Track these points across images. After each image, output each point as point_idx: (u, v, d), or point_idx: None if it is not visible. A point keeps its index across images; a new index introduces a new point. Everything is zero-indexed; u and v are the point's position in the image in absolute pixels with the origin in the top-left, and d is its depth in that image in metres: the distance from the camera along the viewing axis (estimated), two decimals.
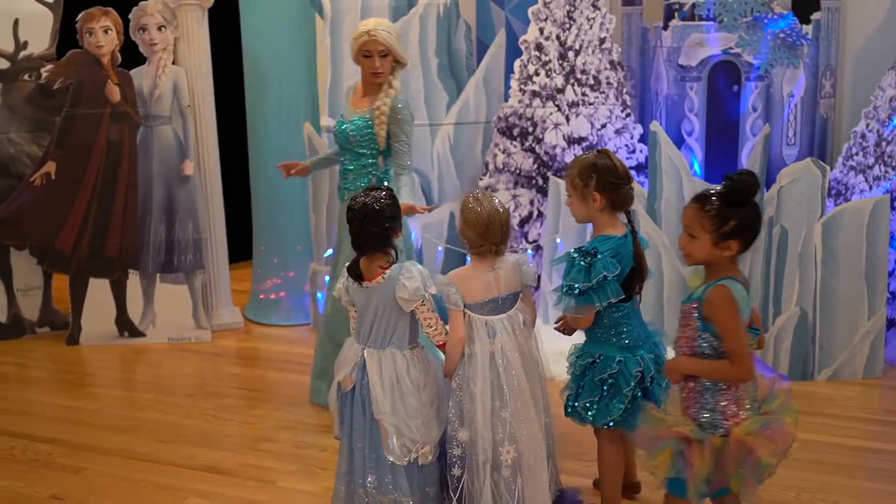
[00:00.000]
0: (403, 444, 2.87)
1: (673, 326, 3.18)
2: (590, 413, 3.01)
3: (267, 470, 3.68)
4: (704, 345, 2.62)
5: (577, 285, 2.87)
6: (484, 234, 2.93)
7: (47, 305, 5.63)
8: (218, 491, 3.51)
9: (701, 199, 2.62)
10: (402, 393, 2.87)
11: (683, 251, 2.67)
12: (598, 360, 3.00)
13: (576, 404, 3.05)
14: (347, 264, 2.97)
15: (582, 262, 2.87)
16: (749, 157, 4.87)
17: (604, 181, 2.94)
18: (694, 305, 2.63)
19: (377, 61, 3.80)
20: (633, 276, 3.02)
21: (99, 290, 5.40)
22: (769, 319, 4.49)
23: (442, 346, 2.96)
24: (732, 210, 2.56)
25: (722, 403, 2.60)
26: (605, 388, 2.98)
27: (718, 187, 2.60)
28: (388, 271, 2.89)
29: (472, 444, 2.92)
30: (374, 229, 2.87)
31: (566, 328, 3.14)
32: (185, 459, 3.79)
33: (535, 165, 5.22)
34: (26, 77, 5.41)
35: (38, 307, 5.60)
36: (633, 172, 3.88)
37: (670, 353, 3.07)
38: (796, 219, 4.43)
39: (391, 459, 2.86)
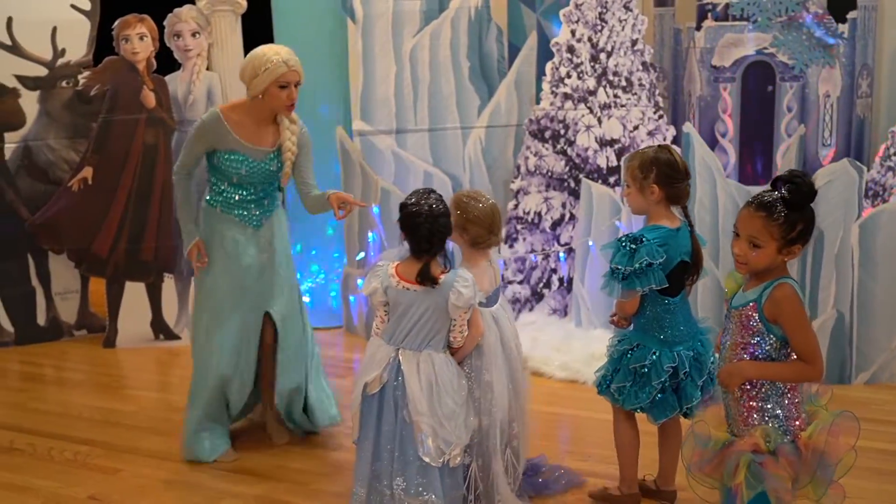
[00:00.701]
0: (438, 445, 2.87)
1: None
2: (620, 396, 3.12)
3: (300, 472, 3.69)
4: (767, 347, 2.53)
5: (620, 269, 2.92)
6: (490, 228, 3.02)
7: (84, 308, 5.72)
8: (252, 492, 3.53)
9: (766, 207, 2.47)
10: (439, 394, 2.88)
11: (741, 260, 2.52)
12: (634, 349, 3.08)
13: (609, 385, 3.15)
14: (418, 271, 2.87)
15: (627, 247, 2.92)
16: (784, 158, 4.82)
17: (663, 174, 3.00)
18: (752, 308, 2.52)
19: (294, 92, 3.68)
20: (684, 271, 3.04)
21: (135, 294, 5.47)
22: None
23: (457, 349, 2.97)
24: (798, 215, 2.49)
25: (787, 408, 2.53)
26: (637, 376, 3.06)
27: (776, 192, 2.48)
28: (442, 276, 2.89)
29: (488, 431, 2.99)
30: (442, 229, 2.90)
31: (619, 322, 3.16)
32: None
33: (567, 168, 5.21)
34: (64, 84, 5.49)
35: (75, 310, 5.69)
36: None
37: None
38: (833, 220, 4.37)
39: (426, 461, 2.86)
